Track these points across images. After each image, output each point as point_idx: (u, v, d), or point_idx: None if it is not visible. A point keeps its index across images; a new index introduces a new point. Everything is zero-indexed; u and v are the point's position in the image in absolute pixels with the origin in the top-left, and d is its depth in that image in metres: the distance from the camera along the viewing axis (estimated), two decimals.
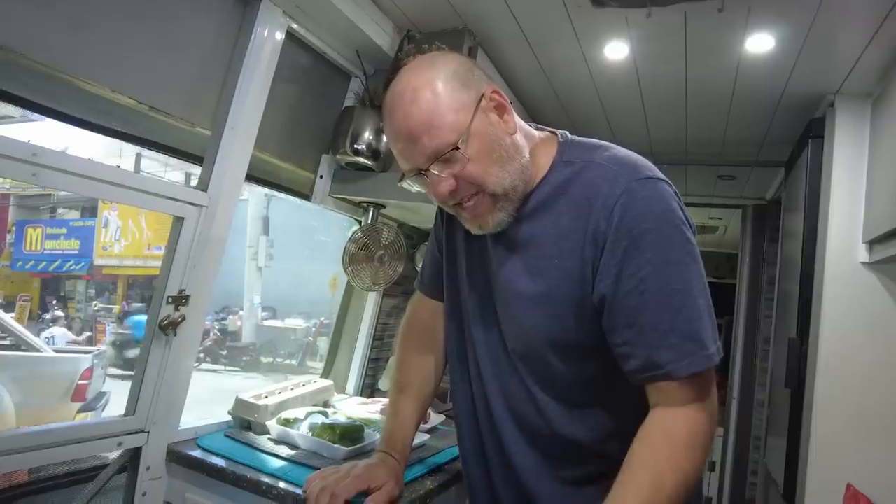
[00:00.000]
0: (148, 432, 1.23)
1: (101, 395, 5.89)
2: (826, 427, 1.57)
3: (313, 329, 10.55)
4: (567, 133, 0.94)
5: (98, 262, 12.42)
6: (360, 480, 1.02)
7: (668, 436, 0.78)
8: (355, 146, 1.49)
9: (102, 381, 6.05)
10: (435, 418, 1.62)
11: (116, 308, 12.18)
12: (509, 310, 0.93)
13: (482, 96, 0.84)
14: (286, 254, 11.67)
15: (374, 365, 2.00)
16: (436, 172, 0.83)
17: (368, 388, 1.97)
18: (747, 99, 1.80)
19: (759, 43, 1.45)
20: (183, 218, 1.20)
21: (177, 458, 1.26)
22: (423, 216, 1.83)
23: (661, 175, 0.84)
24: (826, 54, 1.48)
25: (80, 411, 5.35)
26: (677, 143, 2.28)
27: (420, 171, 0.84)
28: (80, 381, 5.51)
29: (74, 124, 1.11)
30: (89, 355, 5.72)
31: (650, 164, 0.86)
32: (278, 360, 10.43)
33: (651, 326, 0.78)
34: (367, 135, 1.50)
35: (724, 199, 2.98)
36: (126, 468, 1.28)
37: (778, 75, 1.61)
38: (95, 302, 12.49)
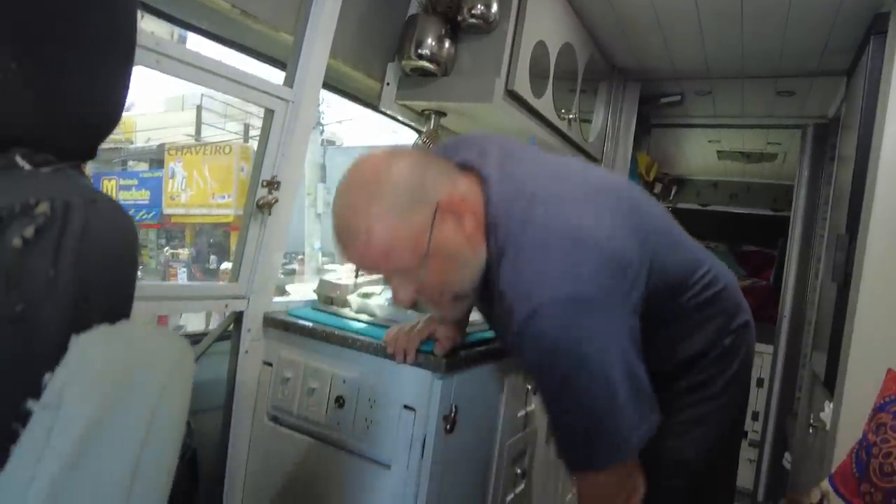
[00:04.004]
0: (248, 299, 1.44)
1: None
2: (870, 316, 1.63)
3: None
4: (492, 200, 0.87)
5: (167, 211, 13.11)
6: (431, 324, 1.20)
7: None
8: (419, 52, 1.61)
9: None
10: None
11: (185, 254, 12.92)
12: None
13: (437, 208, 0.80)
14: None
15: None
16: (396, 282, 0.85)
17: None
18: (807, 4, 1.79)
19: None
20: (273, 111, 1.37)
21: (272, 323, 1.47)
22: (483, 124, 1.95)
23: (553, 290, 0.79)
24: None
25: None
26: (733, 55, 2.27)
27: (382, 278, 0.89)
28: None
29: (178, 25, 1.28)
30: None
31: (549, 275, 0.81)
32: None
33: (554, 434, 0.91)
34: (430, 41, 1.61)
35: (783, 120, 2.93)
36: (229, 335, 1.51)
37: None
38: (167, 248, 13.28)
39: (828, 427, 1.64)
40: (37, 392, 0.39)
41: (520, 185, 0.88)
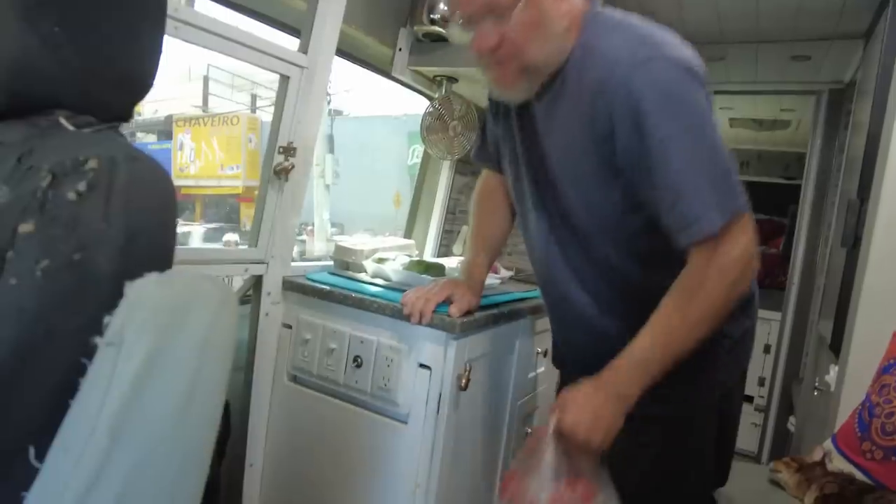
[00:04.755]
0: (267, 263, 1.48)
1: None
2: (877, 280, 1.64)
3: None
4: (592, 11, 0.94)
5: (177, 182, 13.08)
6: (447, 287, 1.23)
7: (682, 284, 0.87)
8: (432, 16, 1.61)
9: None
10: (505, 272, 1.82)
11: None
12: (557, 184, 0.99)
13: None
14: (350, 172, 11.98)
15: (448, 235, 2.21)
16: (484, 25, 0.87)
17: (443, 255, 2.19)
18: None
19: None
20: (288, 77, 1.38)
21: (291, 286, 1.51)
22: None
23: (663, 50, 0.85)
24: None
25: None
26: (748, 17, 2.23)
27: (467, 21, 0.89)
28: None
29: None
30: None
31: (655, 40, 0.87)
32: None
33: (664, 194, 0.84)
34: (443, 5, 1.61)
35: (797, 85, 2.89)
36: (249, 299, 1.56)
37: None
38: (177, 220, 13.37)
39: (832, 389, 1.68)
40: (99, 331, 0.43)
41: (620, 15, 0.94)
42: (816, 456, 1.50)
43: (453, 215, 2.21)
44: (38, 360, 0.40)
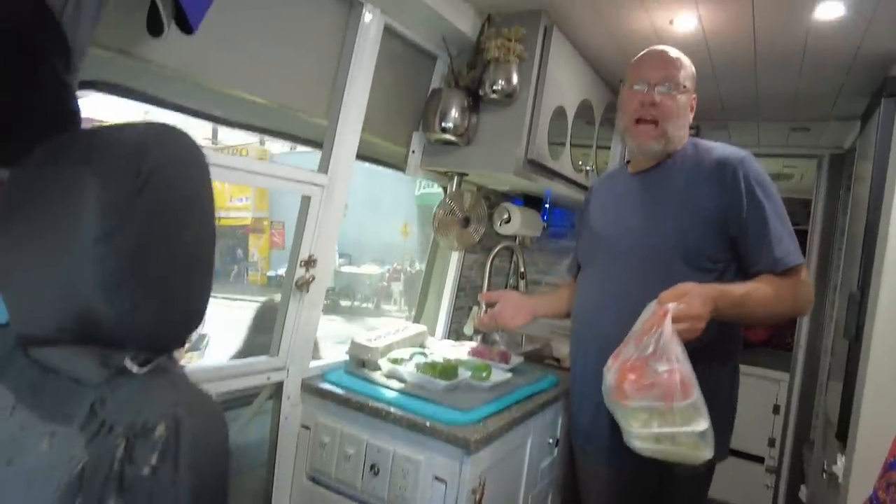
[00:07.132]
0: (287, 369, 1.54)
1: (202, 336, 6.59)
2: (881, 375, 1.68)
3: (387, 274, 11.05)
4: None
5: None
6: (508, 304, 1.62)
7: (782, 286, 1.26)
8: (443, 124, 1.69)
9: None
10: (515, 359, 1.87)
11: None
12: (654, 226, 1.34)
13: (694, 96, 1.39)
14: (357, 202, 12.10)
15: (459, 313, 2.26)
16: (662, 88, 1.32)
17: (454, 333, 2.24)
18: (819, 61, 1.83)
19: (829, 10, 1.50)
20: (310, 197, 1.46)
21: (310, 390, 1.57)
22: (503, 182, 2.02)
23: (747, 154, 1.32)
24: None
25: (187, 351, 6.03)
26: (748, 98, 2.31)
27: (649, 84, 1.32)
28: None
29: (225, 125, 1.37)
30: None
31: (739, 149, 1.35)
32: (356, 303, 11.04)
33: (772, 239, 1.26)
34: (454, 113, 1.69)
35: (798, 150, 2.96)
36: (272, 397, 1.62)
37: (849, 39, 1.65)
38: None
39: (840, 480, 1.71)
40: None
41: None
42: None
43: (464, 292, 2.27)
44: None
